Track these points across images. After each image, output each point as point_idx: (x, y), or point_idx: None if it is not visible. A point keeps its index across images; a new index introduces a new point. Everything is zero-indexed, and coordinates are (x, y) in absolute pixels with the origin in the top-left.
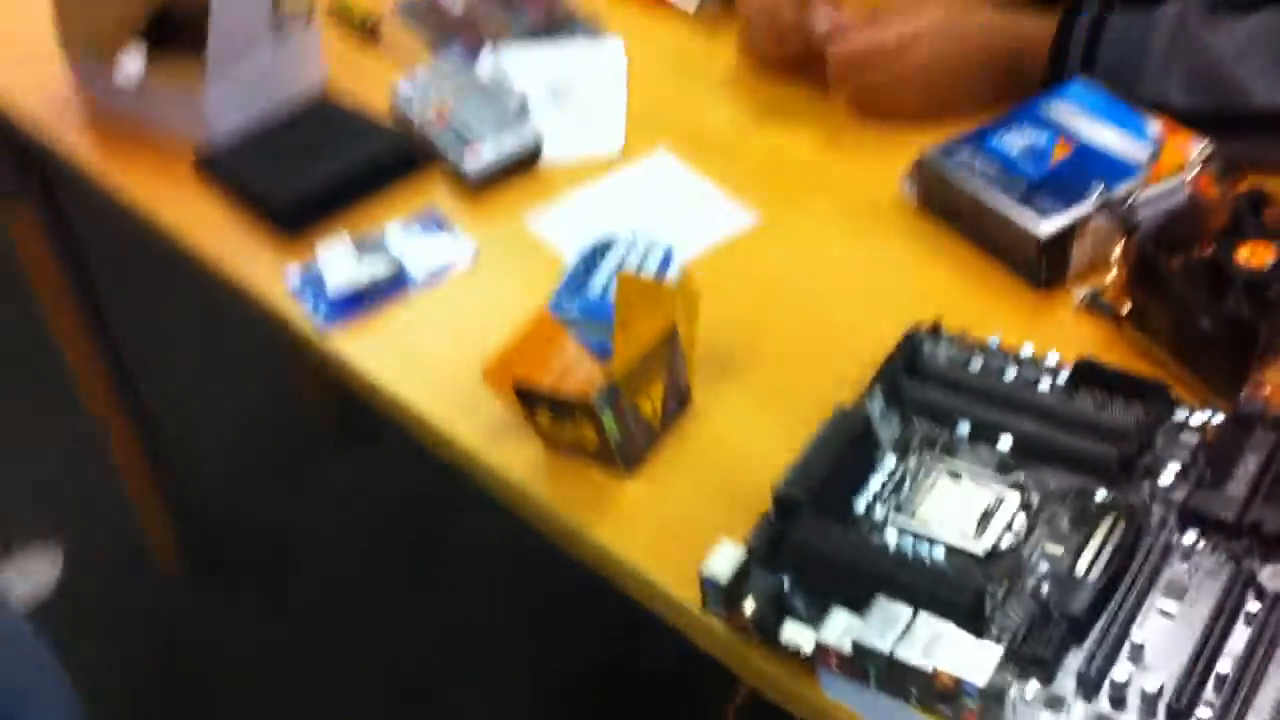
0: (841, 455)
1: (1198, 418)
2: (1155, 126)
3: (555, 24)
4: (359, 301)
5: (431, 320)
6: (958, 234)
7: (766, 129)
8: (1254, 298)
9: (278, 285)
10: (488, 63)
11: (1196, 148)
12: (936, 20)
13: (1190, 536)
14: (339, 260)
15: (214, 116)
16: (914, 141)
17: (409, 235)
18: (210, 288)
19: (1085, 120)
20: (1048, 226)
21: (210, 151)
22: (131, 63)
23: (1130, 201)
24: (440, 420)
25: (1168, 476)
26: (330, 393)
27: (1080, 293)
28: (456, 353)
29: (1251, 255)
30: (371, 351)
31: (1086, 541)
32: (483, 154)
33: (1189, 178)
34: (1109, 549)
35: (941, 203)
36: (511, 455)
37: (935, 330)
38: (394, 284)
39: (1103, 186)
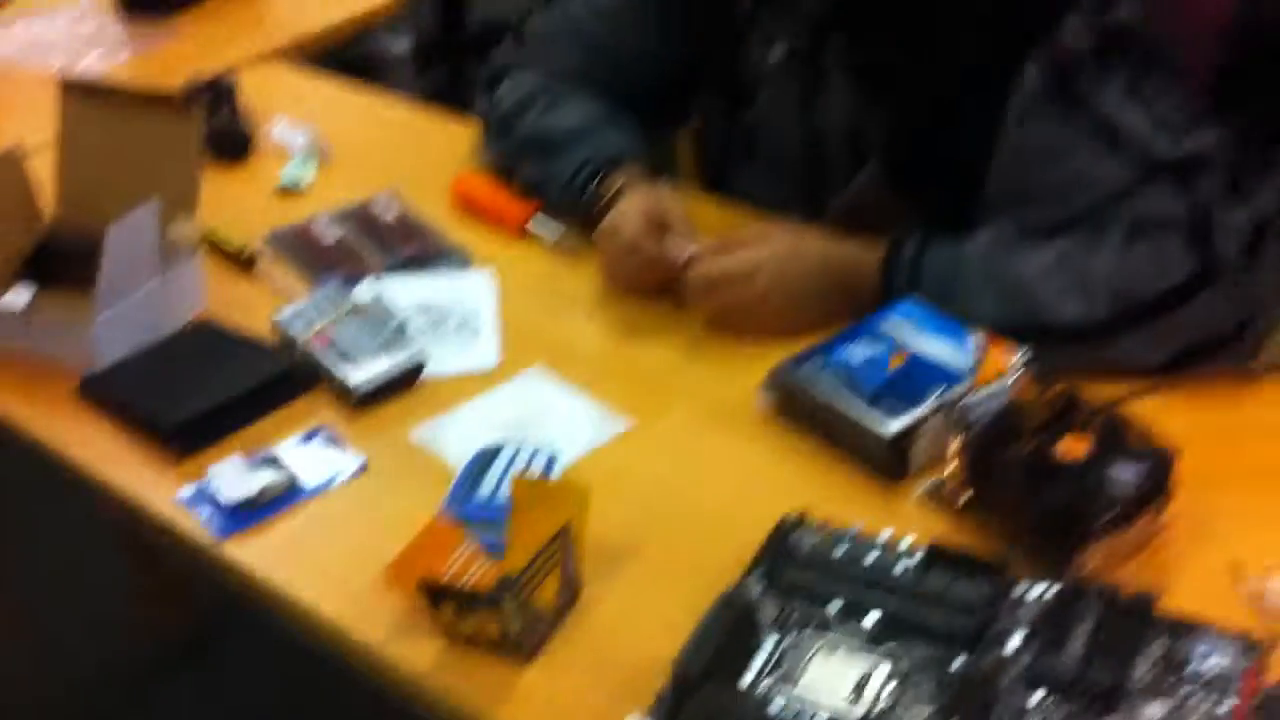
0: (728, 635)
1: (1035, 590)
2: (977, 337)
3: (427, 256)
4: (252, 513)
5: (324, 528)
6: (812, 434)
7: (632, 344)
8: (1073, 486)
9: (169, 501)
10: (366, 290)
11: (1015, 356)
12: (778, 249)
13: (1037, 696)
14: (231, 475)
15: (102, 346)
16: (767, 352)
17: (299, 450)
18: (54, 512)
19: (916, 333)
20: (892, 427)
21: (97, 378)
22: (17, 297)
23: (961, 404)
24: (338, 620)
25: (1014, 643)
26: (172, 614)
27: (924, 484)
28: (349, 557)
29: (1068, 449)
30: (266, 559)
31: (949, 705)
32: (366, 372)
33: (1010, 382)
34: (968, 711)
35: (796, 408)
36: (410, 650)
37: (802, 520)
38: (286, 496)
39: (939, 391)
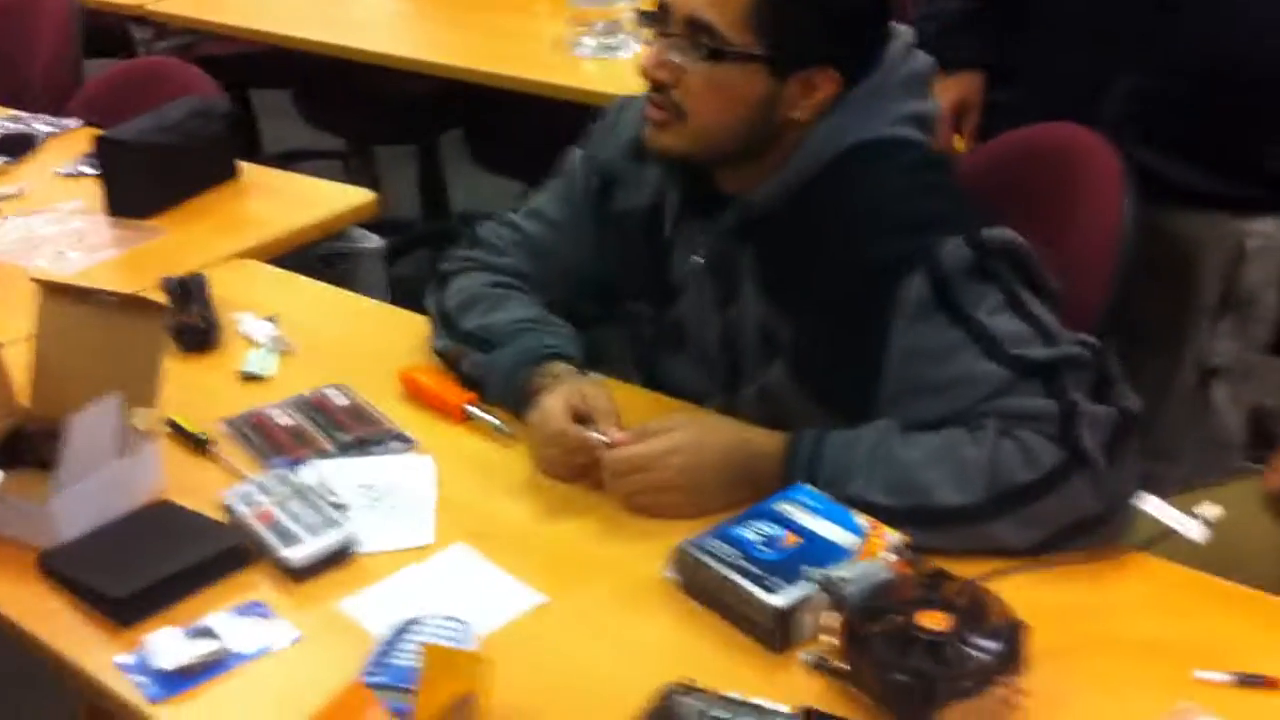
0: None
1: None
2: (863, 521)
3: (373, 440)
4: (188, 678)
5: (254, 693)
6: (711, 607)
7: (554, 523)
8: (935, 655)
9: (109, 667)
10: (311, 471)
11: (893, 538)
12: (688, 438)
13: None
14: (168, 643)
15: (60, 523)
16: (678, 531)
17: (235, 620)
18: None
19: (809, 516)
20: (780, 601)
21: (54, 553)
22: None
23: (842, 581)
24: None
25: None
26: None
27: (808, 653)
28: None
29: (933, 622)
30: None
31: None
32: (303, 549)
33: (887, 561)
34: None
35: (697, 583)
36: None
37: (687, 688)
38: (219, 663)
39: (822, 568)
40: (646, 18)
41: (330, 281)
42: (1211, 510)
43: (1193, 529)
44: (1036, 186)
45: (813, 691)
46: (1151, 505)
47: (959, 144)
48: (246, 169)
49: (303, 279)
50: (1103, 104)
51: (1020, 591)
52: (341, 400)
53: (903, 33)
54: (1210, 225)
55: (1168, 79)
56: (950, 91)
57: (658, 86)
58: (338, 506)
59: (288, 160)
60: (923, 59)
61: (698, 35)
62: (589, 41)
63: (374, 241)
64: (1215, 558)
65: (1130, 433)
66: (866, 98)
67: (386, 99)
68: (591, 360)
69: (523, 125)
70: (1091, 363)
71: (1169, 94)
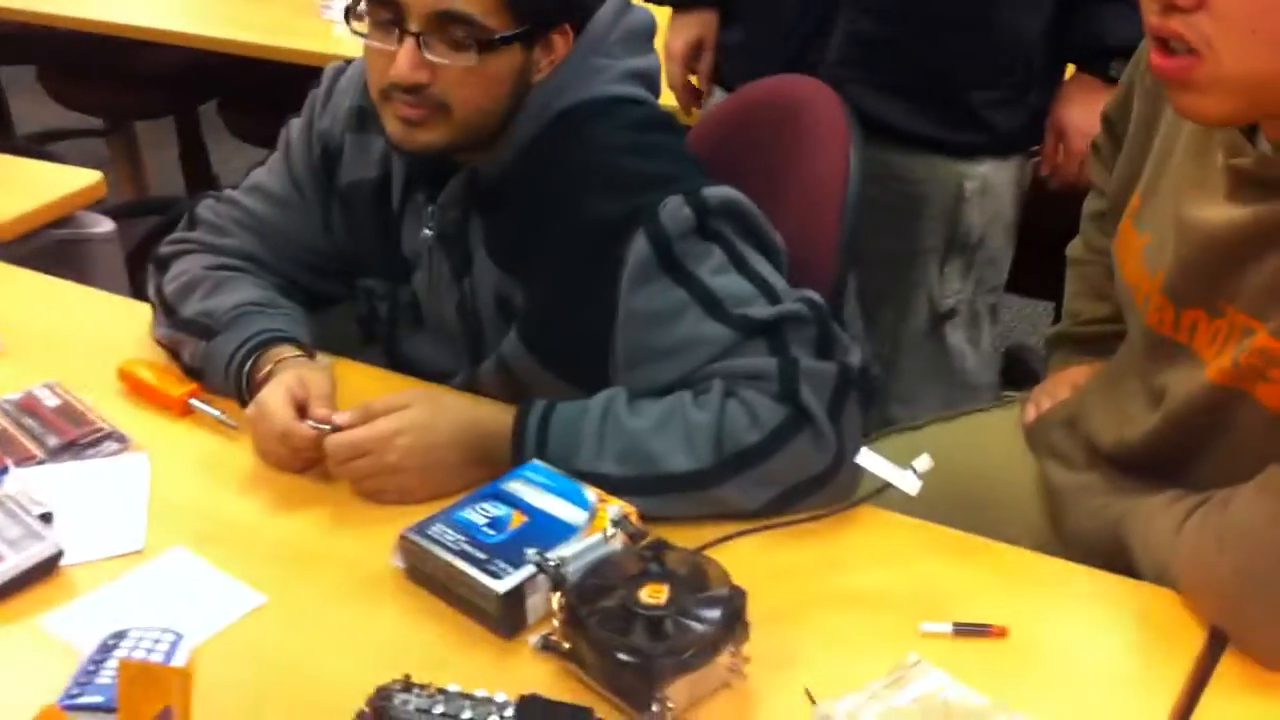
0: None
1: None
2: (592, 495)
3: (86, 442)
4: None
5: None
6: (439, 595)
7: (282, 517)
8: (654, 631)
9: None
10: (13, 480)
11: (617, 511)
12: (416, 416)
13: None
14: None
15: None
16: (414, 517)
17: None
18: None
19: (538, 494)
20: (503, 585)
21: None
22: None
23: (562, 559)
24: None
25: None
26: None
27: (535, 637)
28: None
29: (651, 595)
30: None
31: None
32: (2, 566)
33: (609, 535)
34: None
35: (423, 570)
36: None
37: (406, 683)
38: None
39: (539, 549)
40: (355, 15)
41: (64, 272)
42: (924, 463)
43: (906, 481)
44: (770, 140)
45: (543, 676)
46: (866, 459)
47: (695, 82)
48: None
49: (18, 270)
50: (825, 47)
51: (748, 554)
52: (52, 400)
53: None
54: (931, 168)
55: (881, 22)
56: (684, 31)
57: (412, 88)
58: (43, 517)
59: (43, 141)
60: (641, 15)
61: (452, 29)
62: (338, 4)
63: (105, 225)
64: (980, 491)
65: (853, 387)
66: (583, 56)
67: (135, 72)
68: (332, 343)
69: (277, 93)
70: (813, 319)
71: (883, 38)
